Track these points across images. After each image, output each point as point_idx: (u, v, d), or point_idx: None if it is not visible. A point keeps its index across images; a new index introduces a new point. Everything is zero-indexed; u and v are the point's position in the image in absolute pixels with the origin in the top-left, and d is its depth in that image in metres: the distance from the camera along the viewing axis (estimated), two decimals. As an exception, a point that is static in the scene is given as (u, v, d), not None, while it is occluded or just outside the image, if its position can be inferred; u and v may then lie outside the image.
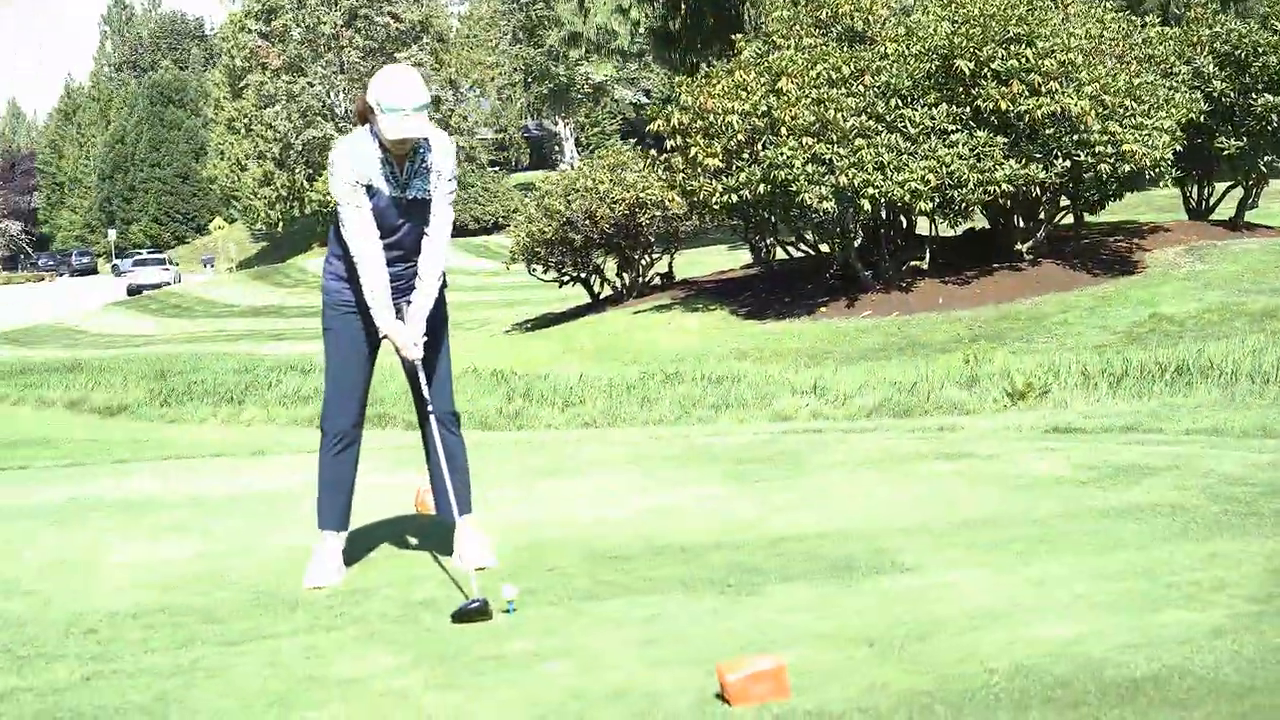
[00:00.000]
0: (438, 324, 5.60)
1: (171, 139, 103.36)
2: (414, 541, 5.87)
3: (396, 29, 77.73)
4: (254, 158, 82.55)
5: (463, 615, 4.80)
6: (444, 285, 5.63)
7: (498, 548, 5.83)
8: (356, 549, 5.99)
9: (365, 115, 5.32)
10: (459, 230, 74.07)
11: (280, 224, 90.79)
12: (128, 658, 4.59)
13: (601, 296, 26.67)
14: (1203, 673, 3.84)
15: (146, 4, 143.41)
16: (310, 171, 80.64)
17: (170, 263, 77.96)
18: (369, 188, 5.33)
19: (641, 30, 38.88)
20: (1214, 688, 3.73)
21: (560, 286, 27.31)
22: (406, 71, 5.31)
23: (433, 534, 6.03)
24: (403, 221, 5.41)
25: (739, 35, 24.13)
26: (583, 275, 26.49)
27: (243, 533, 6.69)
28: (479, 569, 5.37)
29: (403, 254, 5.46)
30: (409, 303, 5.47)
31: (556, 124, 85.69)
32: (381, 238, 5.37)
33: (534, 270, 26.59)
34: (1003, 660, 4.05)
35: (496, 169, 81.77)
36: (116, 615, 5.12)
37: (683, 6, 36.99)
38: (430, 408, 5.57)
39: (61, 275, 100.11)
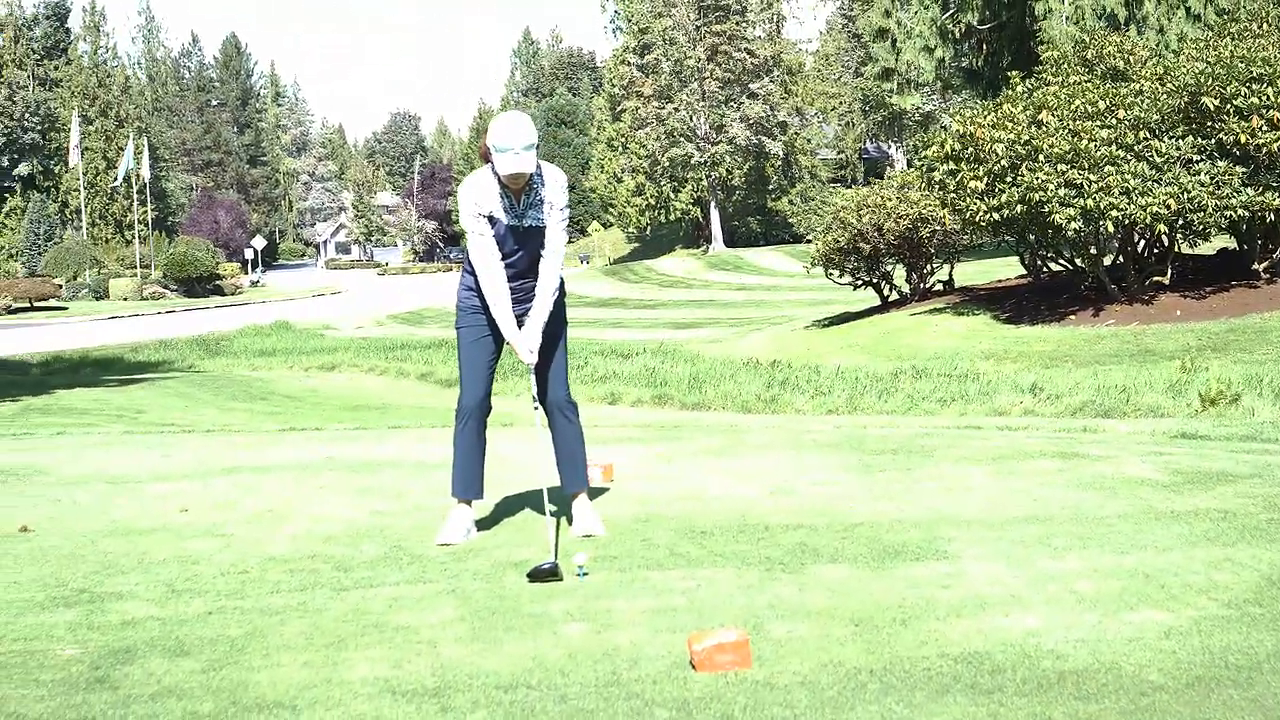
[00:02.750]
0: (555, 325, 5.72)
1: (563, 154, 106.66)
2: (545, 510, 5.78)
3: (751, 63, 78.38)
4: (628, 171, 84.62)
5: (536, 575, 4.89)
6: (562, 294, 5.77)
7: (619, 517, 5.97)
8: (499, 513, 6.23)
9: (486, 155, 5.44)
10: (795, 237, 74.92)
11: (649, 228, 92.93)
12: (252, 597, 4.79)
13: (889, 299, 26.76)
14: (1128, 669, 3.76)
15: (550, 39, 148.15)
16: (675, 185, 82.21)
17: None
18: (490, 218, 5.50)
19: (945, 66, 38.68)
20: (1125, 685, 3.63)
21: (854, 289, 27.51)
22: (517, 116, 5.36)
23: (560, 505, 6.00)
24: (518, 246, 5.56)
25: (1015, 73, 23.87)
26: (873, 280, 26.62)
27: (422, 494, 6.81)
28: (586, 536, 5.63)
29: (520, 272, 5.61)
30: (528, 313, 5.62)
31: (890, 147, 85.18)
32: (502, 259, 5.55)
33: (831, 274, 26.86)
34: (959, 646, 4.00)
35: (835, 185, 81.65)
36: (272, 560, 5.37)
37: (984, 47, 36.78)
38: (548, 397, 5.77)
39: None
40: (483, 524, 5.95)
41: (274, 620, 4.49)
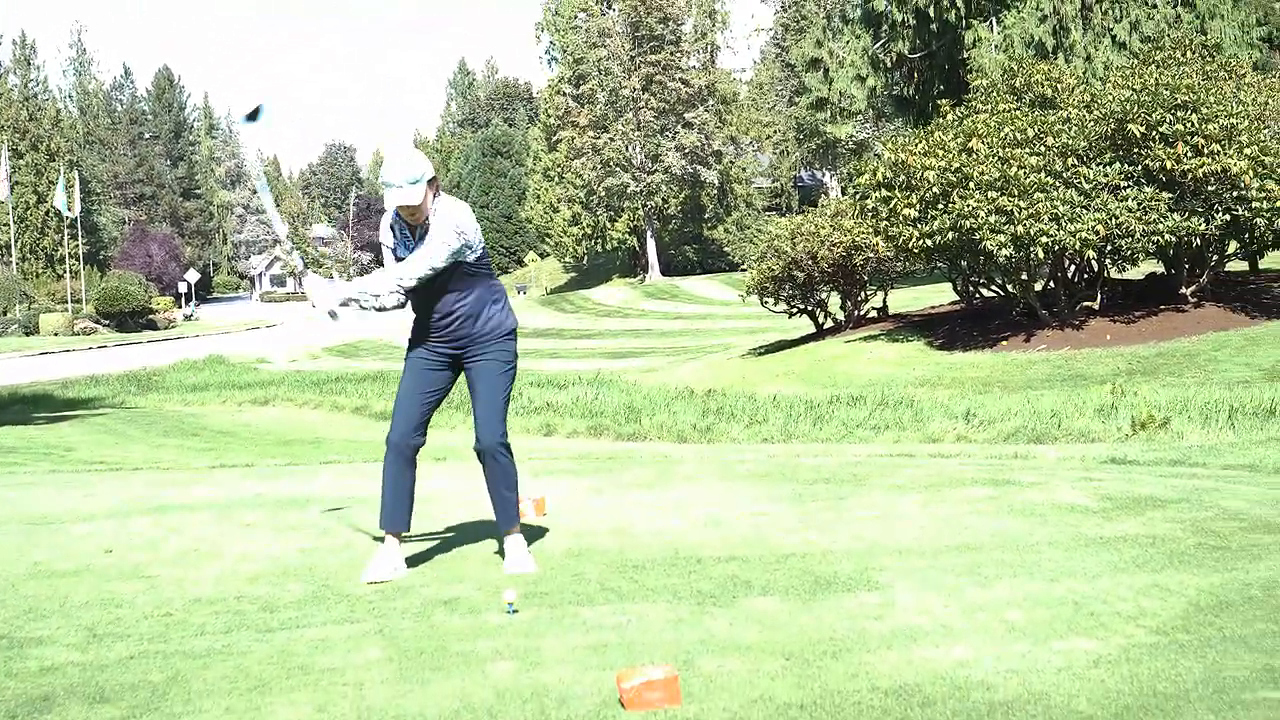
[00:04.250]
0: (491, 362, 5.71)
1: (499, 185, 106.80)
2: (484, 547, 5.80)
3: (686, 93, 78.73)
4: (564, 201, 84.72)
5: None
6: (514, 338, 5.80)
7: (550, 552, 5.94)
8: (429, 550, 6.14)
9: None
10: (731, 265, 75.22)
11: (585, 258, 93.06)
12: (175, 640, 4.70)
13: (824, 327, 26.87)
14: (1057, 700, 3.73)
15: (486, 70, 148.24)
16: (611, 214, 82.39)
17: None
18: (393, 247, 5.66)
19: (877, 95, 39.06)
20: (1055, 715, 3.61)
21: (789, 317, 27.61)
22: (402, 152, 5.44)
23: (496, 541, 6.02)
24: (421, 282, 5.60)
25: (944, 101, 24.12)
26: (808, 308, 26.73)
27: (351, 531, 6.76)
28: (517, 574, 5.55)
29: (441, 315, 5.67)
30: (469, 356, 5.71)
31: (824, 175, 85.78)
32: (416, 296, 5.64)
33: (765, 302, 26.94)
34: (890, 679, 3.96)
35: (770, 213, 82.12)
36: (198, 602, 5.26)
37: (915, 76, 37.20)
38: (479, 436, 5.69)
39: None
40: (412, 561, 5.86)
41: (197, 664, 4.42)
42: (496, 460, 5.71)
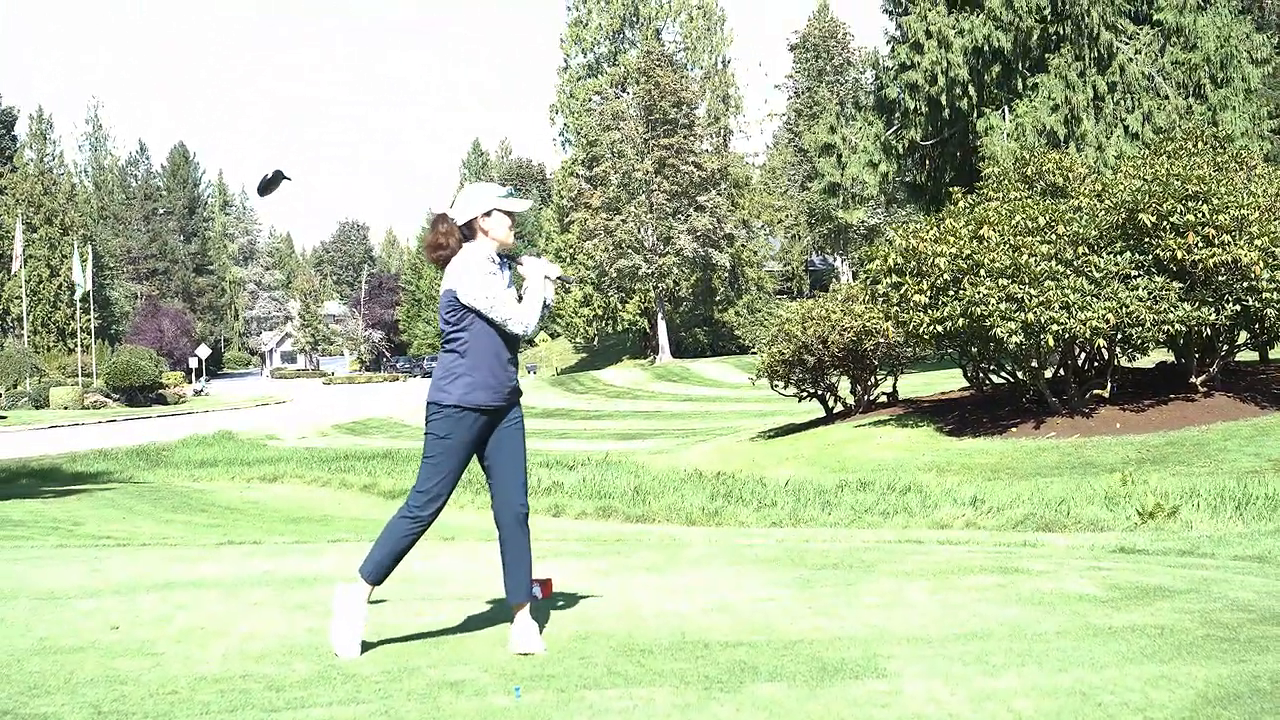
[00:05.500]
0: (520, 430, 5.67)
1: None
2: (491, 628, 5.78)
3: (699, 176, 79.30)
4: (576, 282, 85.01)
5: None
6: (520, 403, 5.75)
7: (557, 634, 5.92)
8: (437, 631, 6.10)
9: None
10: (742, 348, 75.45)
11: (596, 339, 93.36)
12: (181, 718, 4.71)
13: (834, 411, 26.89)
14: None
15: (499, 150, 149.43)
16: (622, 295, 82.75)
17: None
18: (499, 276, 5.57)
19: (889, 180, 39.40)
20: None
21: (799, 401, 27.64)
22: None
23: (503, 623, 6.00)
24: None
25: (956, 188, 24.30)
26: (818, 392, 26.77)
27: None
28: (524, 655, 5.49)
29: (510, 359, 5.66)
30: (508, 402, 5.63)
31: (835, 259, 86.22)
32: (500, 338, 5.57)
33: (776, 386, 26.99)
34: None
35: (781, 297, 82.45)
36: (203, 680, 5.24)
37: (927, 163, 37.58)
38: (511, 504, 5.60)
39: (414, 376, 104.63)
40: (419, 641, 5.86)
41: (201, 745, 4.39)
42: (522, 527, 5.62)
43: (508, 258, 5.65)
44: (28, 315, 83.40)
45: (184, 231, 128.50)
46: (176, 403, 71.31)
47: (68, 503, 18.81)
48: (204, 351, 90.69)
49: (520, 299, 5.59)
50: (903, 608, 6.51)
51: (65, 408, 63.65)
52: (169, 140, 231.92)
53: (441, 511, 5.62)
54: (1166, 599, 6.52)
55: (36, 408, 64.34)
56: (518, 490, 5.59)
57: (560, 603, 6.81)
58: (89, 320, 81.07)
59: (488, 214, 5.52)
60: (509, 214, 5.55)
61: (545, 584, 7.02)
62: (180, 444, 35.70)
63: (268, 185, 5.83)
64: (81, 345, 78.18)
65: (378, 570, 5.62)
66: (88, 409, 64.20)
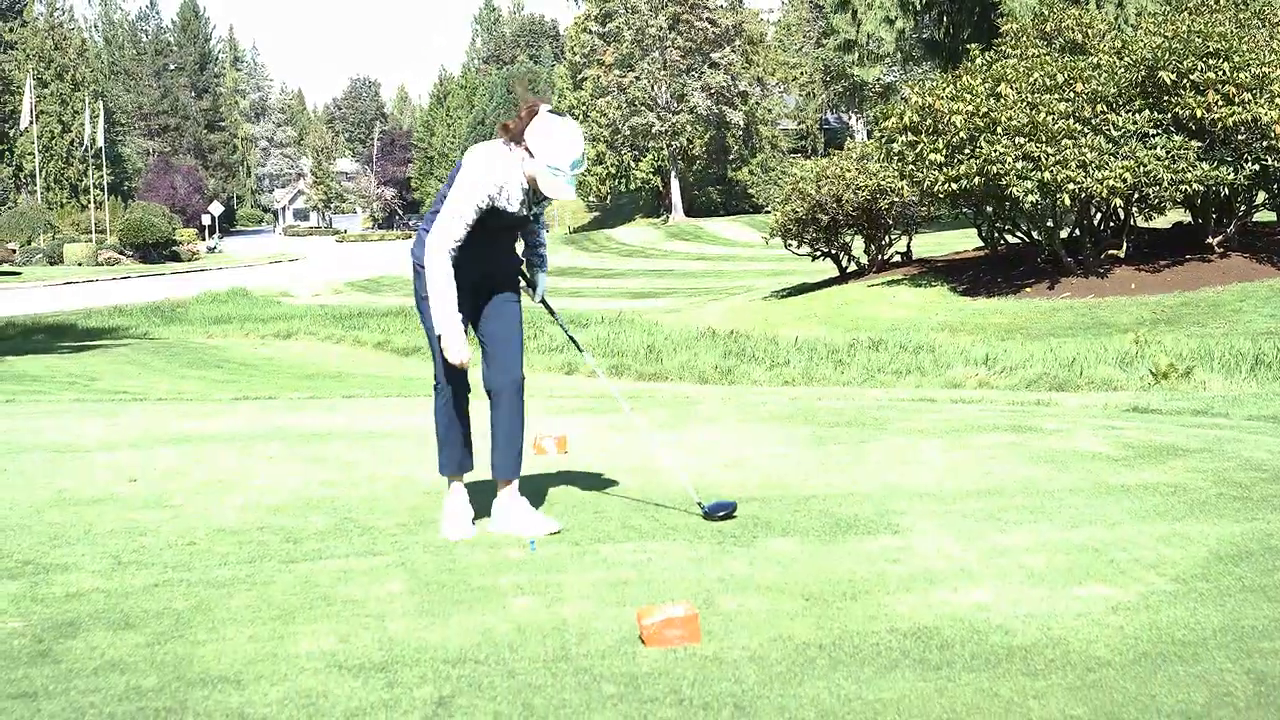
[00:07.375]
0: (515, 295, 5.39)
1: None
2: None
3: (713, 32, 78.16)
4: (588, 140, 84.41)
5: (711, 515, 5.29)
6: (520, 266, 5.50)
7: (571, 489, 5.91)
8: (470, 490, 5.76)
9: (517, 134, 5.00)
10: (755, 207, 74.98)
11: (609, 197, 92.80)
12: (199, 569, 4.68)
13: (847, 270, 26.80)
14: (1075, 645, 3.70)
15: (512, 7, 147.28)
16: (635, 154, 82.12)
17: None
18: (493, 208, 5.09)
19: (906, 37, 38.70)
20: (1073, 660, 3.58)
21: (813, 260, 27.53)
22: (576, 130, 4.96)
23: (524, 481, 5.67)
24: (499, 237, 5.25)
25: (973, 45, 23.90)
26: (831, 251, 26.64)
27: (373, 465, 6.68)
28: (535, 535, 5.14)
29: (491, 264, 5.32)
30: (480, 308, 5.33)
31: (850, 118, 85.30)
32: (484, 246, 5.20)
33: (789, 245, 26.86)
34: (909, 621, 3.93)
35: (795, 156, 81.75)
36: (221, 531, 5.26)
37: (945, 19, 36.86)
38: (506, 374, 5.30)
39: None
40: (436, 495, 5.85)
41: (220, 593, 4.40)
42: (518, 396, 5.34)
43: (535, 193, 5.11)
44: (40, 171, 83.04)
45: (195, 88, 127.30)
46: (190, 260, 71.28)
47: (84, 358, 18.88)
48: (217, 209, 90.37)
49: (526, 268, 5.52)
50: (915, 465, 6.51)
51: (79, 264, 63.68)
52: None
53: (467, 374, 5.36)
54: (1180, 458, 6.49)
55: (50, 264, 64.36)
56: (514, 360, 5.32)
57: (575, 458, 6.83)
58: (101, 177, 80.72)
59: (537, 162, 4.92)
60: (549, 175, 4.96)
61: (560, 439, 7.04)
62: (195, 300, 35.75)
63: None
64: (94, 202, 77.94)
65: (441, 462, 5.40)
66: (101, 265, 64.22)
